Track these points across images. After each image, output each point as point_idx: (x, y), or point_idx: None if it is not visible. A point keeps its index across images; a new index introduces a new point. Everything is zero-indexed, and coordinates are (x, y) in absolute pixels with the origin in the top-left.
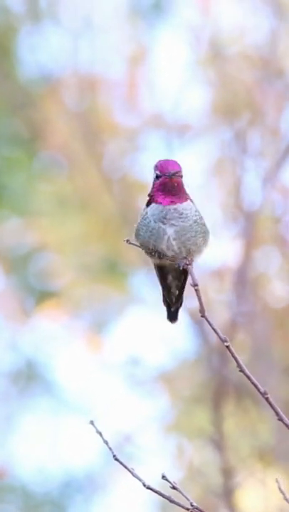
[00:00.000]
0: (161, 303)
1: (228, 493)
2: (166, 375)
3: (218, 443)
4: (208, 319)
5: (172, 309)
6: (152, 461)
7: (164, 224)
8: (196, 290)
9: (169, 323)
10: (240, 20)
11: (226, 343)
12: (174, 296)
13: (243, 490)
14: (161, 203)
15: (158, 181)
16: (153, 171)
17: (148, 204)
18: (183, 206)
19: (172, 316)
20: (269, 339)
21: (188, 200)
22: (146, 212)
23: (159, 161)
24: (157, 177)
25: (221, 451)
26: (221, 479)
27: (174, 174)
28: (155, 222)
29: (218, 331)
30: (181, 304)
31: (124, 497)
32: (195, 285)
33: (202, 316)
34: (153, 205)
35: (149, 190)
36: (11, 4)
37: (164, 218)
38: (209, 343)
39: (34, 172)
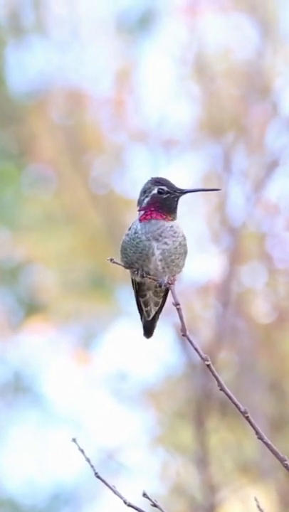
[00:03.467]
0: (140, 318)
1: (211, 509)
2: (152, 390)
3: (202, 459)
4: (190, 338)
5: (148, 325)
6: (137, 476)
7: (157, 241)
8: (178, 309)
9: (145, 338)
10: (226, 37)
11: (206, 362)
12: (150, 312)
13: (226, 505)
14: (160, 219)
15: (162, 196)
16: (150, 186)
17: (141, 219)
18: (176, 225)
19: (148, 332)
20: (254, 355)
21: (176, 220)
22: (136, 231)
23: (159, 178)
24: (160, 193)
25: (204, 467)
26: (204, 495)
27: (186, 192)
28: (148, 239)
29: (200, 350)
30: (156, 321)
31: (111, 510)
32: (177, 304)
33: (183, 335)
34: (152, 221)
35: (135, 205)
36: None
37: (160, 236)
38: (193, 359)
39: (23, 186)
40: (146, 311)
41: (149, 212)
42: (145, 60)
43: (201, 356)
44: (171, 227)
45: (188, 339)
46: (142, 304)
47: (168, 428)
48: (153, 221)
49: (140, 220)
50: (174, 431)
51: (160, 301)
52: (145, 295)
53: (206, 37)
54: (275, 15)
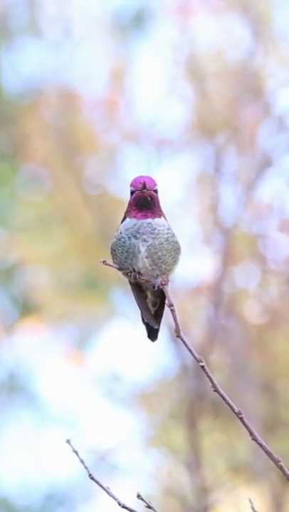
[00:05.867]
0: (141, 321)
1: (203, 511)
2: (146, 391)
3: (195, 460)
4: (184, 339)
5: (153, 327)
6: (130, 477)
7: (136, 239)
8: (172, 310)
9: (149, 341)
10: (218, 37)
11: (201, 363)
12: (151, 314)
13: (219, 507)
14: (134, 217)
15: (132, 197)
16: (130, 188)
17: (122, 221)
18: (156, 222)
19: (152, 335)
20: (246, 356)
21: (162, 217)
22: (120, 232)
23: (134, 177)
24: (131, 193)
25: (197, 468)
26: (196, 496)
27: (144, 188)
28: (129, 238)
29: (194, 351)
30: (159, 323)
31: (106, 510)
32: (171, 305)
33: (178, 337)
34: (127, 219)
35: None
36: None
37: (137, 233)
38: (186, 361)
39: (16, 187)
40: (147, 313)
41: (127, 213)
42: (138, 60)
43: (195, 357)
44: (149, 223)
45: (183, 340)
46: (143, 306)
47: (161, 429)
48: (131, 220)
49: (121, 222)
50: (167, 432)
51: (158, 301)
52: (146, 296)
53: (198, 37)
54: (267, 15)
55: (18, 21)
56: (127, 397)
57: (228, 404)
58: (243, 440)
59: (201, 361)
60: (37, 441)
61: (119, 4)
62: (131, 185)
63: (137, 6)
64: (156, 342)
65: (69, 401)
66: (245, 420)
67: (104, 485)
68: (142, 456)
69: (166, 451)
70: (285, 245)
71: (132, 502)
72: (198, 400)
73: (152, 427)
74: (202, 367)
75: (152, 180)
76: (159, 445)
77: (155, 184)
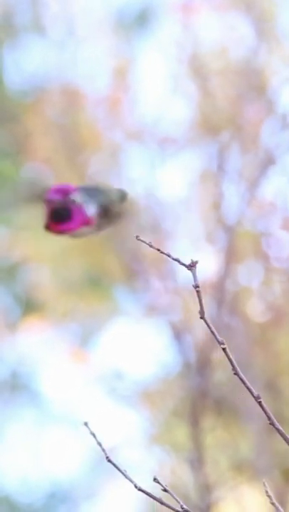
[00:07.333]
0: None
1: (206, 508)
2: (148, 389)
3: (197, 458)
4: (207, 322)
5: None
6: (133, 474)
7: None
8: (198, 292)
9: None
10: (222, 35)
11: (222, 346)
12: None
13: (221, 505)
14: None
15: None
16: None
17: None
18: None
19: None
20: (249, 354)
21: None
22: None
23: None
24: None
25: (199, 466)
26: (199, 494)
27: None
28: None
29: (216, 333)
30: None
31: (110, 508)
32: (196, 286)
33: (201, 318)
34: None
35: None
36: None
37: None
38: (188, 358)
39: (19, 184)
40: None
41: None
42: (141, 58)
43: (217, 339)
44: None
45: (206, 322)
46: None
47: (164, 427)
48: None
49: None
50: (169, 430)
51: None
52: None
53: (201, 35)
54: (271, 13)
55: (22, 19)
56: (130, 395)
57: (248, 388)
58: (246, 438)
59: (223, 343)
60: (39, 439)
61: (123, 2)
62: None
63: (141, 4)
64: (158, 339)
65: (72, 399)
66: (264, 404)
67: (107, 483)
68: (145, 454)
69: (169, 449)
70: (288, 243)
71: (136, 500)
72: (201, 398)
73: (155, 424)
74: (224, 349)
75: (62, 192)
76: (161, 443)
77: (63, 194)
